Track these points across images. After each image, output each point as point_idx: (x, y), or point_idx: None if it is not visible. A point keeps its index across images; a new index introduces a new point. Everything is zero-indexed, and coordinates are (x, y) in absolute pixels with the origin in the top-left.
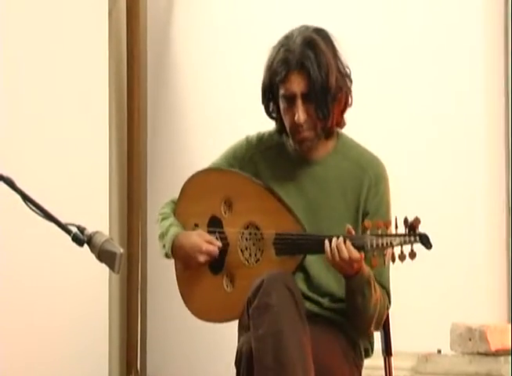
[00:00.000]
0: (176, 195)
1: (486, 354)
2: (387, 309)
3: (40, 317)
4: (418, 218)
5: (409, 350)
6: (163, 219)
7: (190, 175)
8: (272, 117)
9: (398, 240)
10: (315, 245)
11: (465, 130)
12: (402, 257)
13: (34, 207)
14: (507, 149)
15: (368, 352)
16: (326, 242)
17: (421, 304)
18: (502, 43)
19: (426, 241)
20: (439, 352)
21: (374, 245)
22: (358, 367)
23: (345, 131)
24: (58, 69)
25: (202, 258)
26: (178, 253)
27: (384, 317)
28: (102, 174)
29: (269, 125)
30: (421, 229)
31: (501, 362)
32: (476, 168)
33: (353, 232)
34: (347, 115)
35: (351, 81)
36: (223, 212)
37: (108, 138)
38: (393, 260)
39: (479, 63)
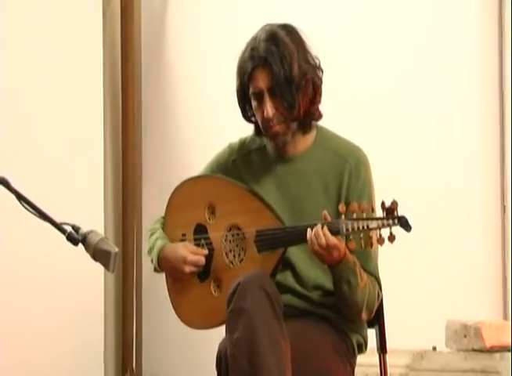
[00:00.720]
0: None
1: (481, 351)
2: (379, 296)
3: (35, 317)
4: (395, 201)
5: (404, 347)
6: (151, 235)
7: (185, 173)
8: (249, 121)
9: (375, 223)
10: (294, 236)
11: (461, 128)
12: (380, 240)
13: (28, 207)
14: (503, 145)
15: (361, 348)
16: (309, 230)
17: (416, 301)
18: (497, 42)
19: (405, 223)
20: (434, 349)
21: (350, 229)
22: (351, 363)
23: (342, 132)
24: (52, 68)
25: (187, 269)
26: (164, 265)
27: (376, 305)
28: (97, 173)
29: None
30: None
31: (496, 358)
32: (472, 164)
33: (329, 217)
34: (343, 116)
35: (321, 72)
36: (207, 218)
37: (102, 137)
38: (371, 244)
39: (475, 60)
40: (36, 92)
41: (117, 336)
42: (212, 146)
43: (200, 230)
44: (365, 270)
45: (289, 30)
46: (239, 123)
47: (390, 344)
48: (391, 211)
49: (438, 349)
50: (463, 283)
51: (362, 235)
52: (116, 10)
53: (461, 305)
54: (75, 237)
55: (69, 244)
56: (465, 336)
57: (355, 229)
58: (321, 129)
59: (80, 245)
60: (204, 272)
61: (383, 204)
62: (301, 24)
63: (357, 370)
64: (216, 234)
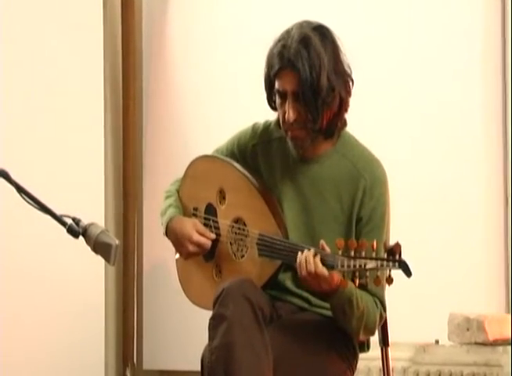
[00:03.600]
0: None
1: (484, 344)
2: (381, 317)
3: (35, 310)
4: (399, 244)
5: (407, 340)
6: (166, 197)
7: (186, 165)
8: (272, 108)
9: (374, 263)
10: (290, 255)
11: (464, 123)
12: (377, 281)
13: (28, 199)
14: (505, 142)
15: (363, 347)
16: (299, 253)
17: (419, 294)
18: (500, 39)
19: (405, 268)
20: (437, 342)
21: (345, 266)
22: (350, 360)
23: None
24: (53, 62)
25: (191, 248)
26: (170, 236)
27: (377, 326)
28: (98, 165)
29: (267, 118)
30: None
31: (499, 352)
32: (474, 160)
33: (326, 248)
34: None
35: (352, 81)
36: (218, 202)
37: (103, 129)
38: (365, 284)
39: (477, 56)
40: (36, 84)
41: (117, 329)
42: (214, 137)
43: (210, 211)
44: (366, 290)
45: (324, 34)
46: (242, 116)
47: (392, 337)
48: (392, 253)
49: (440, 343)
50: (466, 276)
51: (368, 274)
52: (116, 3)
53: (464, 299)
54: (75, 230)
55: (69, 237)
56: (468, 329)
57: (351, 266)
58: (343, 134)
59: (80, 238)
60: (210, 254)
61: (385, 244)
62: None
63: (359, 363)
64: (224, 221)
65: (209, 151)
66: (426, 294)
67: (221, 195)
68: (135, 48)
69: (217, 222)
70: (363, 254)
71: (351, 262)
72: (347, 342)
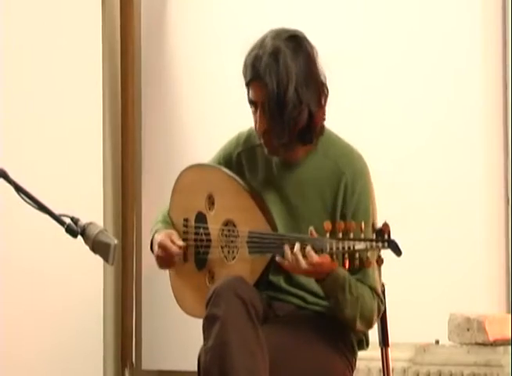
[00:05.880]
0: (170, 186)
1: (484, 344)
2: (379, 309)
3: (34, 310)
4: (387, 224)
5: (407, 341)
6: (156, 221)
7: (184, 165)
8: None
9: (362, 244)
10: (279, 246)
11: (464, 120)
12: (367, 263)
13: (27, 199)
14: (506, 141)
15: (362, 344)
16: (286, 247)
17: (419, 294)
18: (500, 39)
19: (394, 247)
20: (437, 342)
21: (334, 248)
22: (349, 359)
23: (344, 132)
24: (51, 62)
25: (159, 252)
26: (153, 248)
27: (375, 318)
28: (96, 164)
29: None
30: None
31: (500, 352)
32: (474, 160)
33: (315, 234)
34: (345, 114)
35: (327, 91)
36: (207, 208)
37: (102, 128)
38: (353, 265)
39: (477, 55)
40: (34, 83)
41: (116, 329)
42: (213, 137)
43: (201, 219)
44: (362, 282)
45: (298, 44)
46: (239, 113)
47: (392, 337)
48: (381, 233)
49: (440, 343)
50: (466, 276)
51: (357, 255)
52: (115, 3)
53: (464, 299)
54: (74, 229)
55: (68, 236)
56: (468, 329)
57: (340, 248)
58: (323, 133)
59: (79, 237)
60: (202, 262)
61: (373, 225)
62: (299, 24)
63: (359, 364)
64: (214, 226)
65: (207, 151)
66: (426, 294)
67: (210, 201)
68: (133, 48)
69: (207, 228)
70: (351, 236)
71: (340, 244)
72: (345, 340)
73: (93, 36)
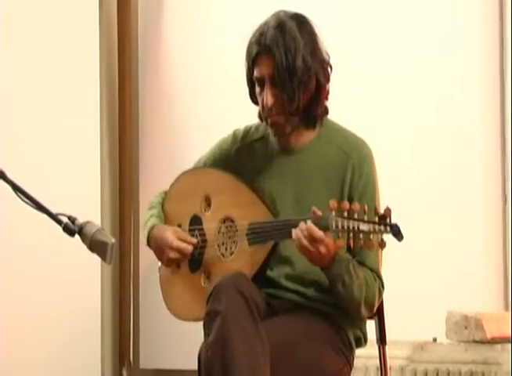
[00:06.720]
0: (167, 185)
1: (482, 342)
2: (380, 292)
3: (31, 309)
4: (389, 208)
5: (405, 338)
6: (149, 209)
7: (182, 164)
8: (255, 102)
9: (366, 226)
10: (282, 229)
11: (462, 119)
12: (370, 245)
13: (24, 198)
14: (504, 141)
15: (360, 342)
16: (293, 230)
17: (416, 292)
18: (498, 39)
19: (396, 232)
20: (435, 340)
21: (339, 226)
22: (347, 356)
23: (346, 124)
24: (49, 62)
25: (172, 255)
26: (152, 245)
27: (376, 301)
28: (94, 164)
29: None
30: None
31: (498, 350)
32: (473, 160)
33: (318, 213)
34: (344, 109)
35: (330, 68)
36: (203, 210)
37: (99, 127)
38: (358, 245)
39: (475, 57)
40: (31, 82)
41: (114, 328)
42: (210, 136)
43: (195, 221)
44: (364, 266)
45: (300, 21)
46: (237, 113)
47: (390, 335)
48: (383, 217)
49: (438, 341)
50: (464, 274)
51: (361, 236)
52: (112, 4)
53: (462, 296)
54: (71, 228)
55: (65, 235)
56: (466, 327)
57: (345, 227)
58: (326, 122)
59: (76, 236)
60: (196, 263)
61: (375, 209)
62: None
63: (356, 361)
64: (210, 226)
65: (204, 151)
66: (424, 291)
67: (207, 202)
68: (130, 48)
69: (202, 229)
70: (356, 217)
71: (345, 223)
72: (343, 337)
73: (90, 36)
